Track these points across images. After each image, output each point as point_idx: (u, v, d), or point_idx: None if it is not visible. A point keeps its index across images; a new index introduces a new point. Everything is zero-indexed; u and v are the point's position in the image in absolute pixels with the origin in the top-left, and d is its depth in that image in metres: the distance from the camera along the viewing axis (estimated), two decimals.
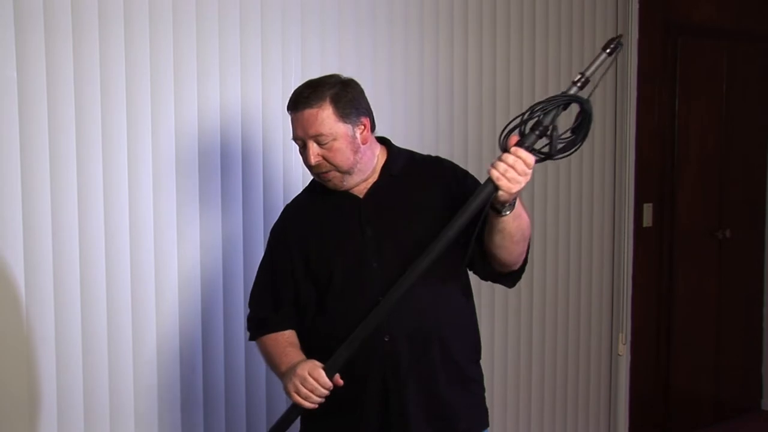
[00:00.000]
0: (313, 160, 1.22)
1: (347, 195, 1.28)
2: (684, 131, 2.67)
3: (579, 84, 1.12)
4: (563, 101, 1.10)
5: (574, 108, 1.12)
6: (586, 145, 2.63)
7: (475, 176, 1.34)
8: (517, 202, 1.16)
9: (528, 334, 2.31)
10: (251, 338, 1.36)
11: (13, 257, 1.41)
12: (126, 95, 1.54)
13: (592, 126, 1.10)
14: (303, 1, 1.76)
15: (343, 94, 1.23)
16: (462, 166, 1.35)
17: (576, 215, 2.39)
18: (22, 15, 1.41)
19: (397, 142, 1.35)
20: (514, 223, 1.17)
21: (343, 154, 1.23)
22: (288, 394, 1.20)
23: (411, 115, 1.99)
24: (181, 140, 1.61)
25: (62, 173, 1.48)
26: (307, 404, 1.18)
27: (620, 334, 2.50)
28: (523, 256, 1.24)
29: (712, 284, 2.81)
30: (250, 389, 1.76)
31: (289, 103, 1.26)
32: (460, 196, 1.24)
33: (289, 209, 1.36)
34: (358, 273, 1.24)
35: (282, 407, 1.73)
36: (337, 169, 1.24)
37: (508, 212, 1.14)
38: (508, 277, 1.28)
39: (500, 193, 1.10)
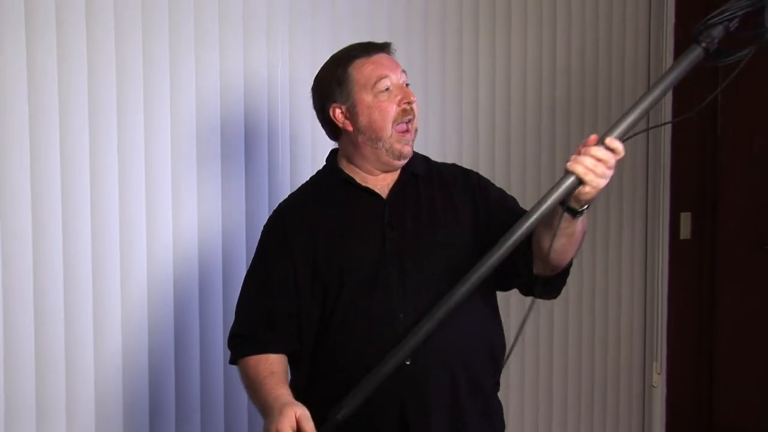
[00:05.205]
0: (413, 95, 1.24)
1: (367, 191, 1.26)
2: (728, 128, 2.56)
3: None
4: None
5: None
6: None
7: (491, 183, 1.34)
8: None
9: (548, 362, 2.26)
10: (232, 360, 1.29)
11: None
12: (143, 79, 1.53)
13: None
14: None
15: None
16: (468, 168, 1.35)
17: (602, 227, 2.33)
18: None
19: None
20: (582, 224, 1.16)
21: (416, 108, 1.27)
22: None
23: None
24: (177, 130, 1.60)
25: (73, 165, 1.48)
26: None
27: (654, 363, 2.47)
28: (568, 259, 1.22)
29: (761, 305, 2.70)
30: (229, 395, 1.69)
31: (363, 47, 1.27)
32: (482, 205, 1.27)
33: (286, 208, 1.31)
34: (375, 282, 1.20)
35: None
36: (413, 122, 1.25)
37: (584, 208, 1.13)
38: (553, 284, 1.25)
39: (586, 190, 1.09)
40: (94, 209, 1.53)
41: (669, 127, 2.43)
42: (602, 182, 1.10)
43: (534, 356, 2.24)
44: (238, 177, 1.69)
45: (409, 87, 1.27)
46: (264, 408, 1.17)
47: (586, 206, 1.13)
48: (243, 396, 1.66)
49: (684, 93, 2.42)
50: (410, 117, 1.25)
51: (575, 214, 1.13)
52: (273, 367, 1.21)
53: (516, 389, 2.19)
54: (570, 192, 1.10)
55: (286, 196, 1.37)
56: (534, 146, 2.21)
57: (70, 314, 1.51)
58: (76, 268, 1.51)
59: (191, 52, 1.62)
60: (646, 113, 1.09)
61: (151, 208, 1.59)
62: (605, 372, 2.39)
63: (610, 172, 1.10)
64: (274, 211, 1.33)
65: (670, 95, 2.38)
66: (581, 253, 2.19)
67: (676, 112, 2.40)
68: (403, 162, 1.28)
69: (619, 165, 2.43)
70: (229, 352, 1.60)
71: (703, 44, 1.06)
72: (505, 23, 2.12)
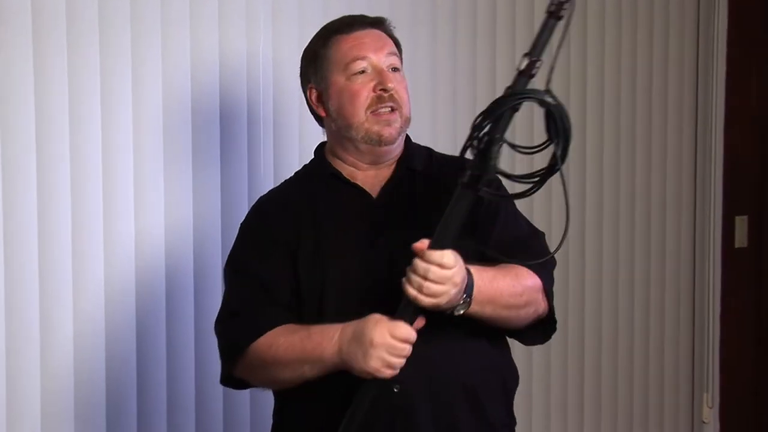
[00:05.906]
0: (391, 81, 1.18)
1: (355, 189, 1.22)
2: None
3: (528, 71, 1.00)
4: (511, 103, 1.00)
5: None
6: (656, 138, 2.47)
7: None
8: (476, 287, 1.08)
9: (578, 392, 2.16)
10: (228, 369, 1.19)
11: None
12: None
13: (570, 128, 0.99)
14: None
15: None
16: None
17: (643, 234, 2.23)
18: None
19: None
20: (488, 309, 1.11)
21: (406, 93, 1.20)
22: (372, 373, 1.07)
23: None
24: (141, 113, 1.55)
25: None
26: (389, 373, 1.08)
27: (705, 395, 2.36)
28: (539, 312, 1.18)
29: None
30: (201, 416, 1.61)
31: (348, 21, 1.22)
32: (487, 207, 1.21)
33: (268, 202, 1.28)
34: (359, 294, 1.17)
35: (245, 427, 1.68)
36: (401, 109, 1.19)
37: (462, 311, 1.09)
38: (532, 333, 1.21)
39: (426, 311, 1.06)
40: (42, 203, 1.45)
41: (720, 118, 2.27)
42: (439, 300, 1.04)
43: (562, 386, 2.12)
44: (212, 167, 1.61)
45: (398, 72, 1.21)
46: (340, 344, 1.09)
47: (460, 308, 1.08)
48: (218, 414, 1.63)
49: (738, 88, 2.32)
50: (389, 105, 1.17)
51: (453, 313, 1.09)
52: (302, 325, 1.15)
53: (540, 426, 2.08)
54: (413, 315, 1.06)
55: (268, 191, 1.34)
56: None
57: (11, 325, 1.43)
58: (19, 265, 1.42)
59: (157, 28, 1.54)
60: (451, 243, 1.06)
61: (109, 203, 1.51)
62: (646, 406, 2.26)
63: (443, 288, 1.03)
64: (254, 205, 1.30)
65: (722, 91, 2.28)
66: (619, 267, 2.20)
67: (729, 110, 2.29)
68: (387, 148, 1.20)
69: (662, 162, 2.32)
70: (202, 368, 1.56)
71: (472, 189, 1.03)
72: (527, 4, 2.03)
